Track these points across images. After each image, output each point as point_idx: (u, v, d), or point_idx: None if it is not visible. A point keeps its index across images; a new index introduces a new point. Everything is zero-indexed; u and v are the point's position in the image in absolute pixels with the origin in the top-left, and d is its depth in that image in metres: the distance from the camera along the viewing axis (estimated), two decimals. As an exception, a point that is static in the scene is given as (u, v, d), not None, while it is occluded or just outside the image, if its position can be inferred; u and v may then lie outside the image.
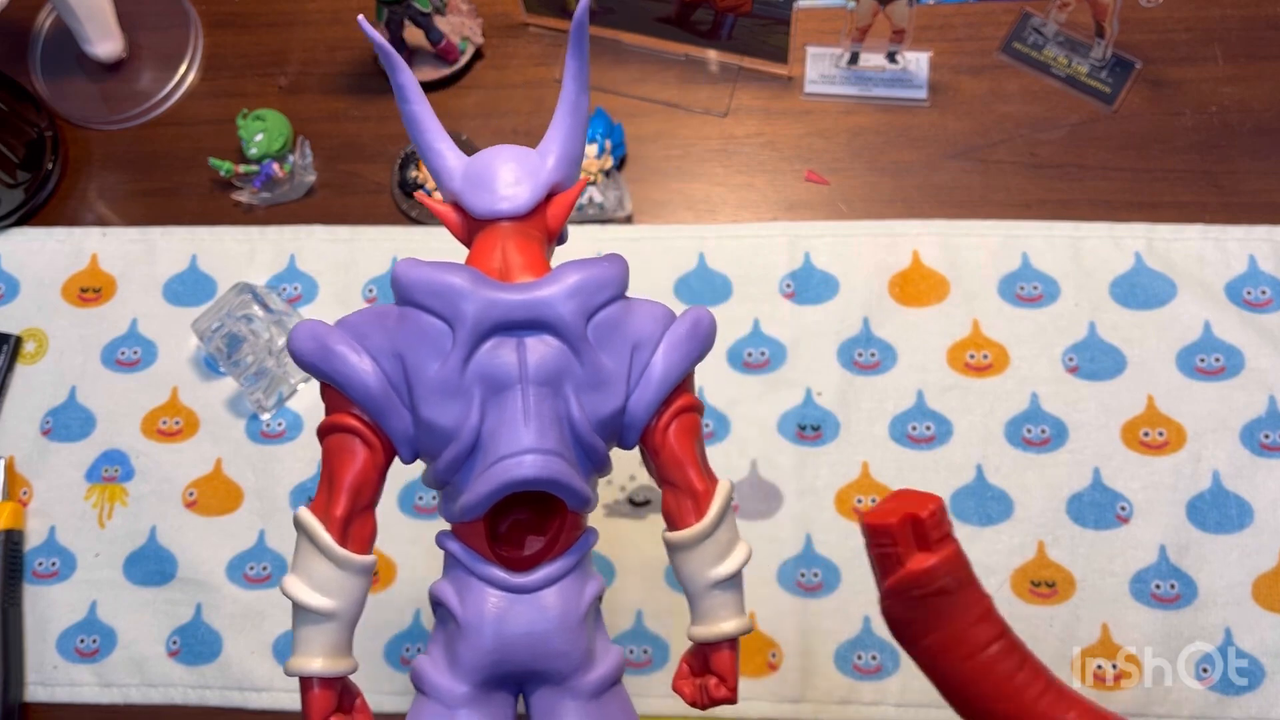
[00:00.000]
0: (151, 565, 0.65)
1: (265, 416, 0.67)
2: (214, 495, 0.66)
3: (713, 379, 0.65)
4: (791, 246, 0.68)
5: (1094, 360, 0.64)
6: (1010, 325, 0.65)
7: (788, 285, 0.67)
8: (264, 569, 0.65)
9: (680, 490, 0.37)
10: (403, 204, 0.71)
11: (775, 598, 0.61)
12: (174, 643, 0.64)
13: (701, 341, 0.38)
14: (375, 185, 0.72)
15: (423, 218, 0.71)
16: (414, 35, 0.72)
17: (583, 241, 0.69)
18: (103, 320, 0.70)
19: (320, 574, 0.35)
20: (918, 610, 0.33)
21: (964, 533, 0.59)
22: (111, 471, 0.67)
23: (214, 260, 0.71)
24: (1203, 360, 0.64)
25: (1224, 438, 0.62)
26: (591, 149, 0.69)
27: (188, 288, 0.70)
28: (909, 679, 0.59)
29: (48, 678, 0.64)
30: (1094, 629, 0.60)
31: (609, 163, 0.69)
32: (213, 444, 0.67)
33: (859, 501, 0.63)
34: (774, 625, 0.61)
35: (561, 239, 0.41)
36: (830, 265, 0.67)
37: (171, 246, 0.72)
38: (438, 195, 0.45)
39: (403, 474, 0.65)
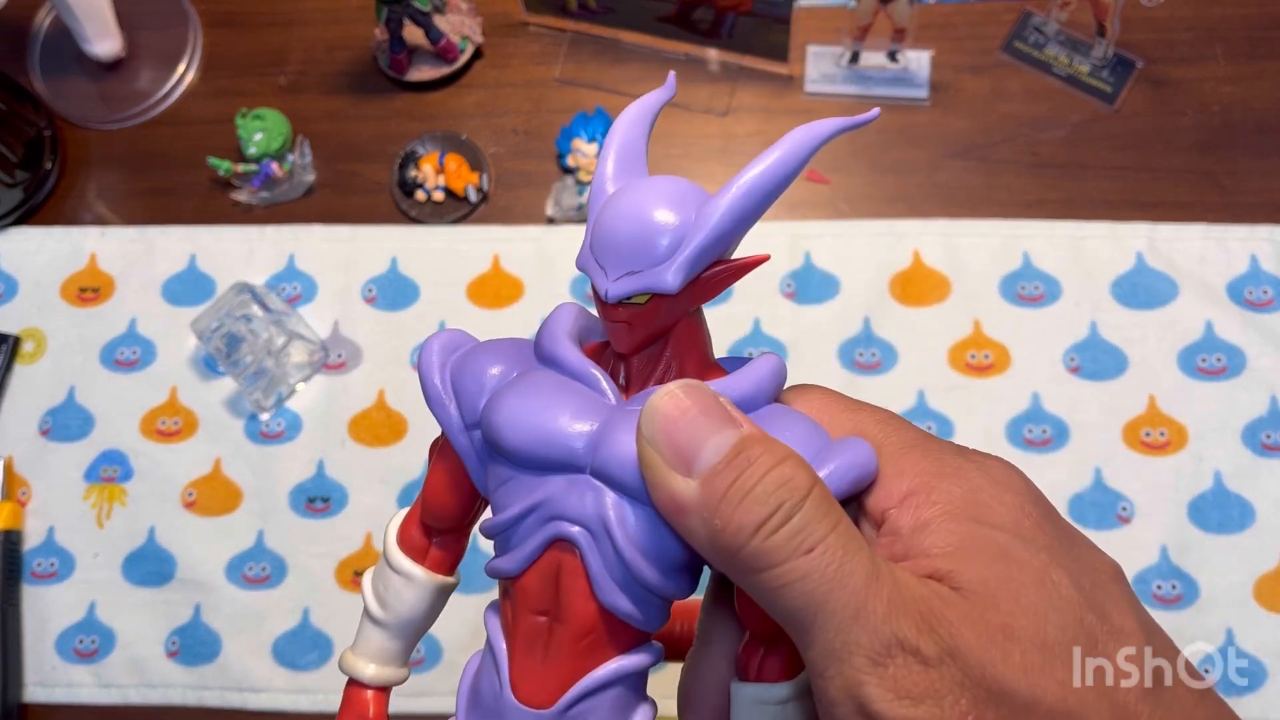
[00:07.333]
0: (150, 565, 0.65)
1: (264, 416, 0.67)
2: (213, 495, 0.66)
3: (713, 379, 0.65)
4: (792, 246, 0.68)
5: (1095, 360, 0.64)
6: (1011, 325, 0.65)
7: (788, 285, 0.67)
8: (263, 569, 0.64)
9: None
10: (402, 203, 0.71)
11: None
12: (173, 643, 0.63)
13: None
14: (374, 185, 0.72)
15: (421, 217, 0.70)
16: (414, 34, 0.72)
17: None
18: (101, 320, 0.70)
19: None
20: None
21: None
22: (110, 472, 0.67)
23: (213, 260, 0.71)
24: (1204, 360, 0.63)
25: (1225, 438, 0.62)
26: (591, 148, 0.68)
27: (187, 287, 0.70)
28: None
29: (46, 678, 0.64)
30: (1095, 630, 0.59)
31: (609, 162, 0.69)
32: (212, 444, 0.67)
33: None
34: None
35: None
36: (831, 265, 0.67)
37: (170, 246, 0.71)
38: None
39: (405, 472, 0.65)
